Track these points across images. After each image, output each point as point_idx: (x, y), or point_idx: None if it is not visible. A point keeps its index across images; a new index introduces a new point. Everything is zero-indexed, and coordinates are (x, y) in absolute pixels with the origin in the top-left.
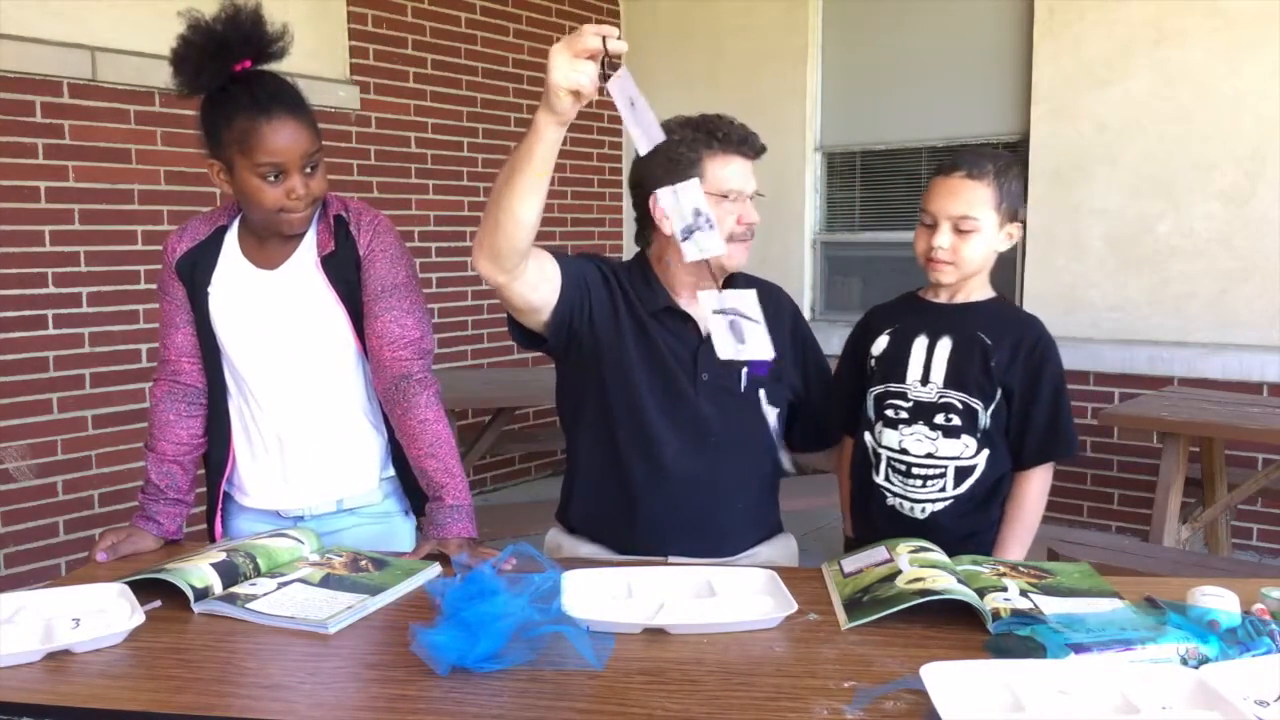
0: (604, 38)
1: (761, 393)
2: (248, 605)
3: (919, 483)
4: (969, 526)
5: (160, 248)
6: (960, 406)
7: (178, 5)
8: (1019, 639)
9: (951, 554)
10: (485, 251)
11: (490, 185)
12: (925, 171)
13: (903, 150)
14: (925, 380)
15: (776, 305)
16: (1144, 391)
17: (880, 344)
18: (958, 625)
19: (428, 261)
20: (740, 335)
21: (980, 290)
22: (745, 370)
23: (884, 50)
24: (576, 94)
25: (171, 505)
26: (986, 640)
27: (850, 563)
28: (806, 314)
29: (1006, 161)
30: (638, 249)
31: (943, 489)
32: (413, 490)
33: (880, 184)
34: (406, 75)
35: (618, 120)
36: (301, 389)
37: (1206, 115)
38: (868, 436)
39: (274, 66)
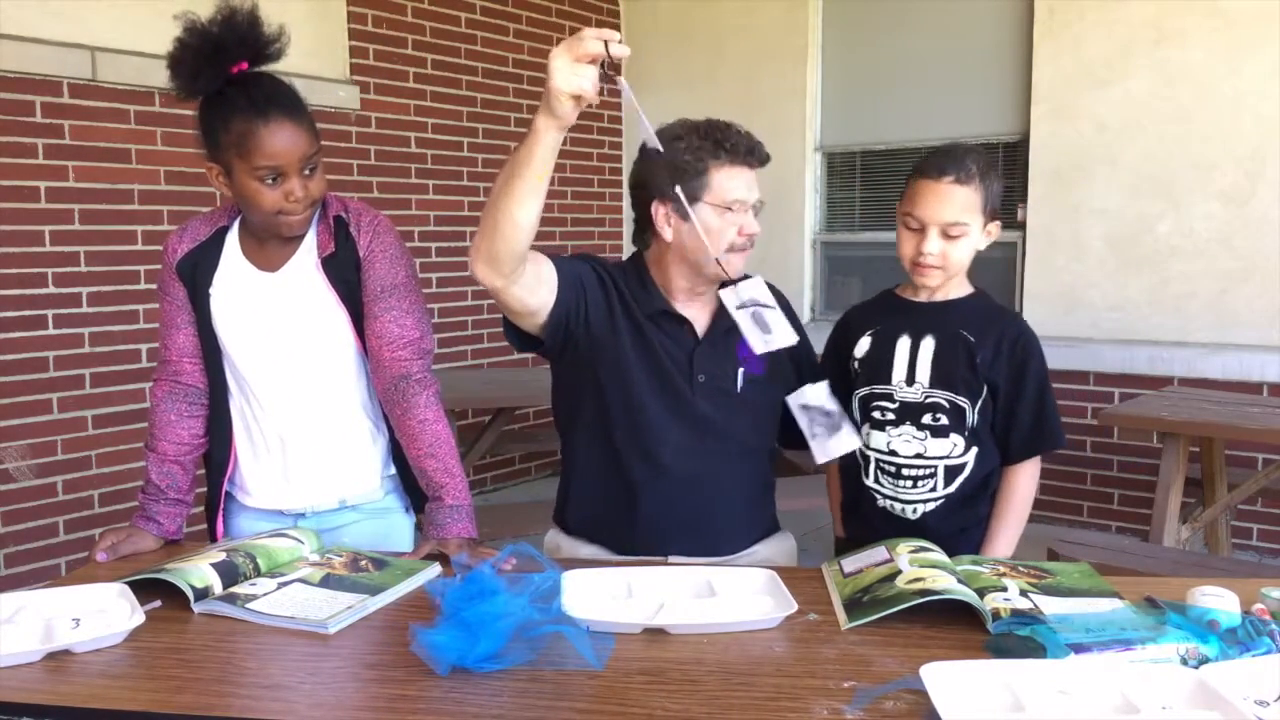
0: (606, 42)
1: (758, 393)
2: (248, 605)
3: (909, 484)
4: (959, 523)
5: (160, 248)
6: (947, 405)
7: (178, 6)
8: (1019, 639)
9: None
10: (483, 255)
11: (490, 185)
12: None
13: (903, 150)
14: (910, 381)
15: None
16: (1144, 391)
17: (862, 346)
18: (958, 625)
19: (428, 261)
20: (765, 325)
21: (959, 287)
22: (741, 371)
23: (884, 50)
24: (578, 98)
25: (172, 505)
26: (986, 640)
27: (850, 563)
28: (806, 314)
29: (986, 161)
30: (635, 249)
31: (933, 489)
32: (413, 489)
33: (880, 184)
34: (406, 75)
35: (618, 120)
36: (303, 390)
37: (1206, 115)
38: None
39: (273, 67)
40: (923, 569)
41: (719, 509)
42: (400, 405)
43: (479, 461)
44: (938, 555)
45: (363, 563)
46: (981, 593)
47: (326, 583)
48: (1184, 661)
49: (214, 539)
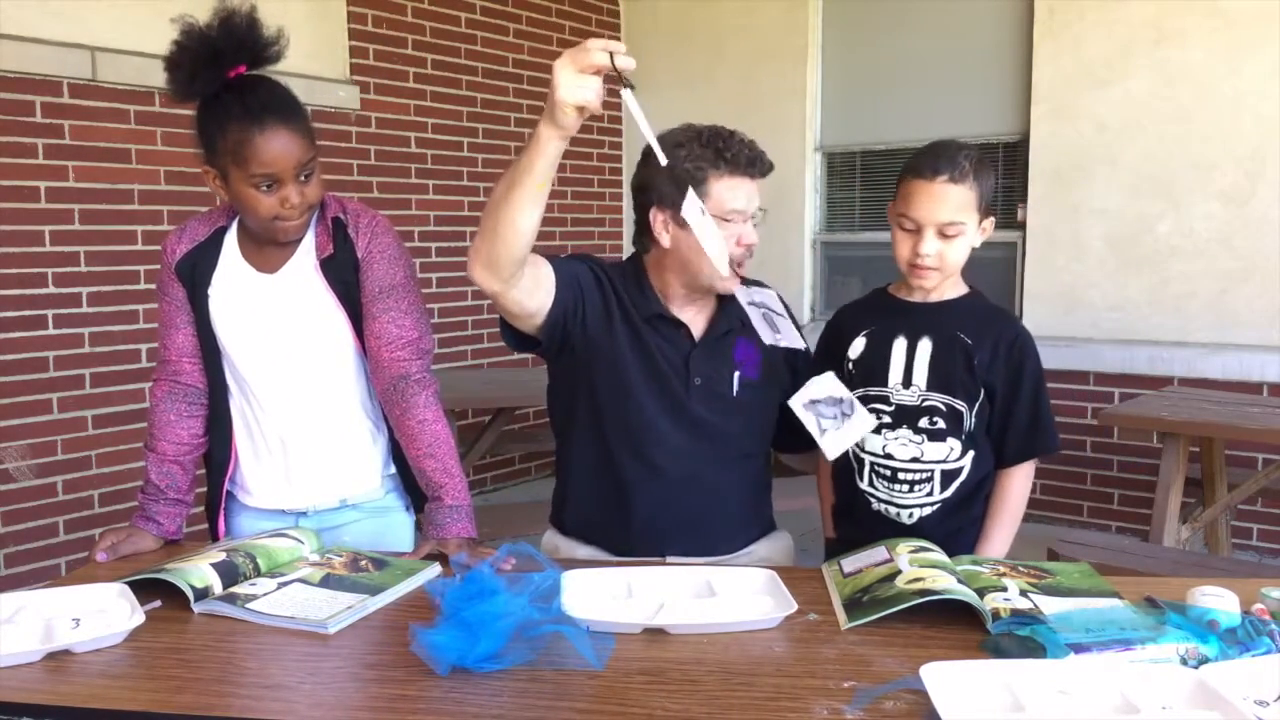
0: (611, 53)
1: (754, 396)
2: (248, 605)
3: (905, 488)
4: (953, 526)
5: (160, 248)
6: (944, 409)
7: (178, 6)
8: (1019, 639)
9: None
10: (482, 260)
11: (490, 185)
12: None
13: (903, 150)
14: (907, 383)
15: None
16: (1144, 391)
17: (857, 347)
18: (958, 625)
19: (428, 261)
20: (775, 326)
21: (954, 286)
22: (737, 375)
23: (884, 50)
24: (581, 109)
25: (171, 505)
26: (986, 640)
27: (850, 563)
28: (806, 314)
29: (978, 157)
30: (635, 250)
31: (929, 493)
32: (413, 488)
33: (880, 184)
34: (406, 75)
35: (618, 120)
36: (302, 390)
37: (1206, 115)
38: None
39: (273, 67)
40: (923, 569)
41: (714, 511)
42: (399, 405)
43: (479, 461)
44: (938, 555)
45: (363, 563)
46: (981, 593)
47: (326, 583)
48: (1184, 661)
49: (215, 538)
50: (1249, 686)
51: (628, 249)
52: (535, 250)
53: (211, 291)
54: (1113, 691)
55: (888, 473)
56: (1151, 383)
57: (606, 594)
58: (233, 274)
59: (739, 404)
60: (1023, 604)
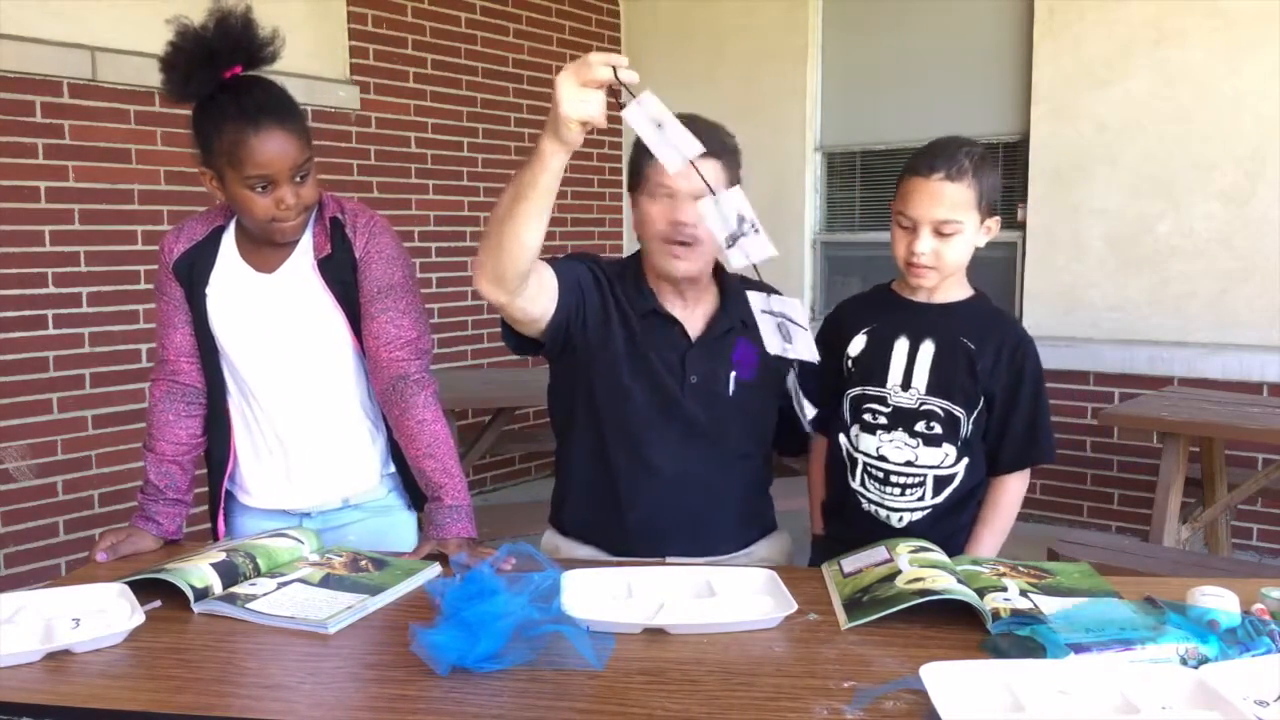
0: (614, 67)
1: (751, 397)
2: (248, 605)
3: (897, 491)
4: (943, 531)
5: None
6: (942, 414)
7: (178, 6)
8: (1019, 639)
9: None
10: (488, 274)
11: (490, 185)
12: None
13: (903, 150)
14: (906, 385)
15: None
16: (1144, 391)
17: (857, 344)
18: (958, 625)
19: (428, 261)
20: (788, 336)
21: (959, 287)
22: (733, 375)
23: (884, 50)
24: (585, 123)
25: (171, 505)
26: (986, 640)
27: (850, 563)
28: (806, 314)
29: (981, 155)
30: (637, 248)
31: (921, 498)
32: (413, 487)
33: (880, 184)
34: (406, 75)
35: (618, 120)
36: (301, 390)
37: (1206, 115)
38: (843, 439)
39: (274, 66)
40: (922, 569)
41: (711, 511)
42: (398, 405)
43: (479, 461)
44: (938, 555)
45: (362, 563)
46: (981, 593)
47: (326, 583)
48: (1184, 661)
49: (216, 538)
50: (1249, 686)
51: (628, 249)
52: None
53: (209, 291)
54: (1113, 691)
55: (880, 474)
56: (1151, 383)
57: (606, 594)
58: (230, 273)
59: (735, 404)
60: (1023, 604)
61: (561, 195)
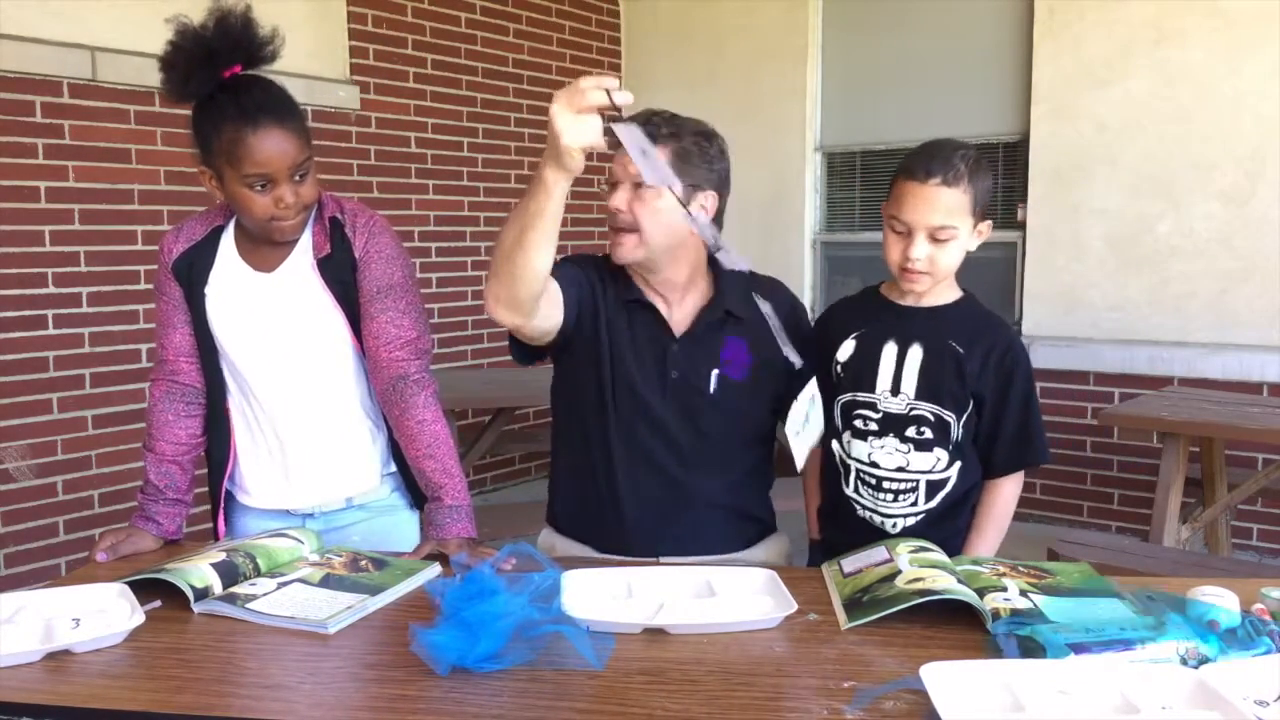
0: (608, 90)
1: (736, 397)
2: (248, 605)
3: (890, 497)
4: (938, 536)
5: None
6: (932, 419)
7: (178, 6)
8: (1019, 639)
9: None
10: (503, 302)
11: (490, 185)
12: None
13: (903, 150)
14: (895, 391)
15: (773, 302)
16: (1144, 391)
17: (846, 349)
18: (958, 625)
19: (428, 261)
20: (784, 339)
21: (948, 290)
22: (716, 373)
23: (884, 50)
24: (586, 149)
25: (171, 505)
26: (986, 640)
27: (850, 563)
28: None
29: (975, 158)
30: None
31: (914, 503)
32: (413, 486)
33: (880, 184)
34: (406, 75)
35: (618, 120)
36: (301, 390)
37: (1206, 115)
38: (835, 445)
39: (274, 66)
40: (923, 569)
41: (696, 511)
42: (398, 405)
43: (479, 461)
44: (938, 555)
45: (362, 563)
46: (981, 593)
47: (326, 583)
48: (1184, 661)
49: (216, 538)
50: (1249, 686)
51: None
52: None
53: (208, 291)
54: (1113, 691)
55: (872, 480)
56: (1151, 383)
57: (606, 594)
58: (230, 273)
59: (715, 403)
60: (1023, 604)
61: None
